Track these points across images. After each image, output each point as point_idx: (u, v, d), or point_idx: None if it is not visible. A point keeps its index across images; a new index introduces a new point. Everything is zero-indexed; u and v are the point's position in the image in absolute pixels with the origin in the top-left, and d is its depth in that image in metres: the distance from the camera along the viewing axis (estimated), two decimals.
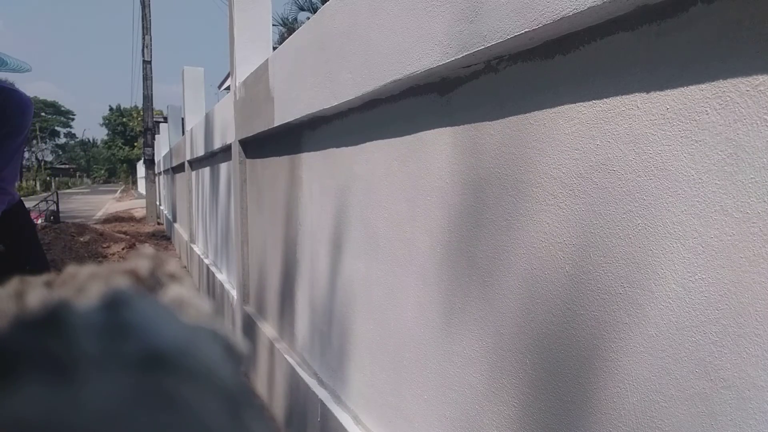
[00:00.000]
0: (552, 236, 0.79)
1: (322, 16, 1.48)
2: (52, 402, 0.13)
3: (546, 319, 0.80)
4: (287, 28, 10.64)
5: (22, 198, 2.01)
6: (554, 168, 0.78)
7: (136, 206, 15.20)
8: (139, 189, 26.39)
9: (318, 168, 1.71)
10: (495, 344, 0.91)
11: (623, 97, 0.67)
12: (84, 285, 0.18)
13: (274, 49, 2.20)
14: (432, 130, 1.07)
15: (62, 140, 73.17)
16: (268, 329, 2.35)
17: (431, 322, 1.10)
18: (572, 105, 0.74)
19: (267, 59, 2.08)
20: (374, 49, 1.18)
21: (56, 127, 68.61)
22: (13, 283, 0.17)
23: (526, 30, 0.74)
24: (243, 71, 2.59)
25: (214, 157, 3.81)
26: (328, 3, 1.45)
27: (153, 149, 11.03)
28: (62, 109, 69.21)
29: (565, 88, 0.75)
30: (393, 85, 1.13)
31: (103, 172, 64.15)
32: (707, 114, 0.57)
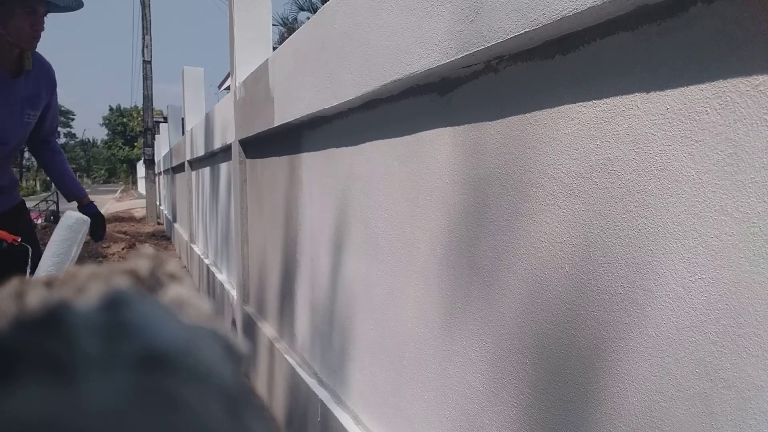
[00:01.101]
0: (552, 236, 0.79)
1: (322, 17, 1.49)
2: (51, 402, 0.13)
3: (546, 319, 0.80)
4: (287, 28, 10.64)
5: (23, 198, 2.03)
6: (554, 168, 0.78)
7: (136, 206, 15.19)
8: (139, 189, 26.37)
9: (318, 168, 1.71)
10: (495, 344, 0.91)
11: (623, 97, 0.67)
12: (84, 285, 0.18)
13: (274, 49, 2.20)
14: (432, 130, 1.07)
15: (62, 140, 73.16)
16: (268, 329, 2.35)
17: (431, 322, 1.10)
18: (572, 105, 0.74)
19: (267, 59, 2.08)
20: (374, 50, 1.18)
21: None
22: (13, 283, 0.17)
23: (526, 30, 0.74)
24: (243, 71, 2.59)
25: (214, 157, 3.81)
26: (328, 3, 1.45)
27: (153, 149, 11.03)
28: (62, 109, 69.18)
29: (565, 88, 0.75)
30: (393, 85, 1.13)
31: (103, 172, 64.06)
32: (707, 114, 0.57)
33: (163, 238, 8.10)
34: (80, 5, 1.80)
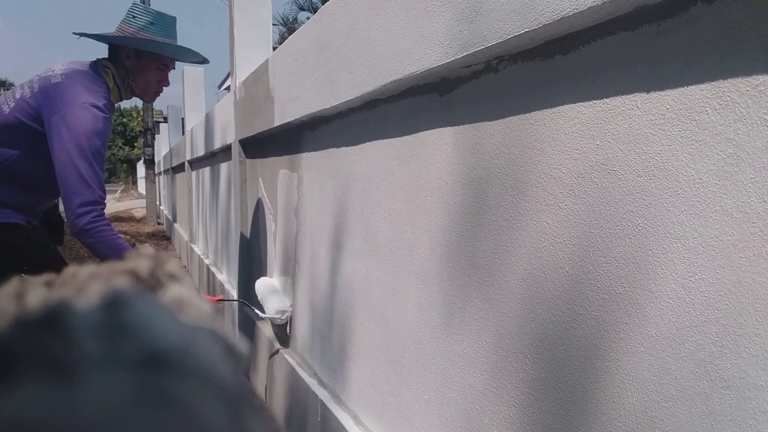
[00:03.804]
0: (552, 236, 0.79)
1: (322, 17, 1.48)
2: (51, 402, 0.13)
3: (546, 319, 0.80)
4: (287, 28, 10.63)
5: None
6: (554, 168, 0.78)
7: (136, 206, 15.18)
8: (139, 189, 26.34)
9: (318, 168, 1.71)
10: (495, 344, 0.91)
11: (623, 97, 0.67)
12: (84, 285, 0.18)
13: (274, 49, 2.20)
14: (432, 130, 1.07)
15: None
16: (268, 329, 2.35)
17: (431, 322, 1.10)
18: (572, 105, 0.74)
19: (267, 59, 2.08)
20: (374, 50, 1.18)
21: None
22: (13, 283, 0.17)
23: (526, 30, 0.74)
24: (243, 71, 2.59)
25: (214, 157, 3.81)
26: (328, 3, 1.45)
27: (153, 149, 11.02)
28: None
29: (565, 88, 0.75)
30: (393, 85, 1.13)
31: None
32: (707, 114, 0.57)
33: (163, 238, 8.10)
34: (206, 62, 1.87)
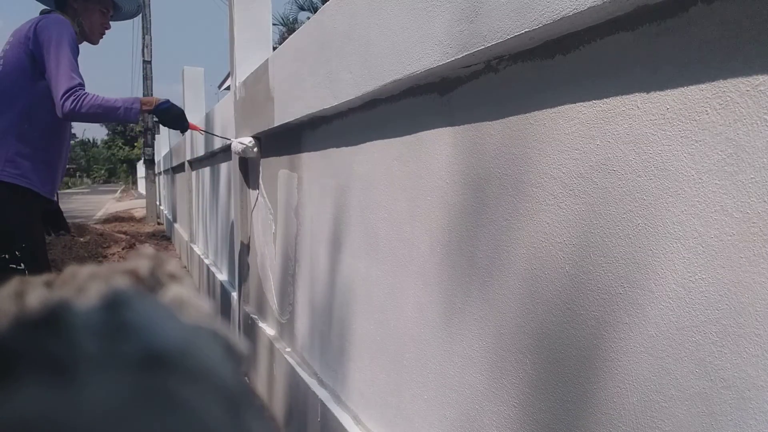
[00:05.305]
0: (552, 236, 0.79)
1: (322, 16, 1.49)
2: (52, 402, 0.13)
3: (546, 319, 0.80)
4: (287, 28, 10.63)
5: None
6: (554, 168, 0.78)
7: (136, 206, 15.18)
8: (139, 189, 26.33)
9: (318, 168, 1.71)
10: (495, 344, 0.91)
11: (623, 97, 0.67)
12: (84, 285, 0.18)
13: (274, 49, 2.20)
14: (432, 130, 1.07)
15: None
16: (268, 329, 2.35)
17: (431, 322, 1.10)
18: (572, 105, 0.74)
19: (267, 59, 2.08)
20: (374, 49, 1.18)
21: None
22: (13, 283, 0.17)
23: (526, 30, 0.74)
24: (243, 71, 2.59)
25: (214, 157, 3.81)
26: (328, 3, 1.45)
27: (153, 149, 11.02)
28: None
29: (565, 88, 0.75)
30: (393, 85, 1.13)
31: (103, 172, 63.85)
32: (707, 114, 0.57)
33: (163, 238, 8.09)
34: (138, 13, 2.17)
